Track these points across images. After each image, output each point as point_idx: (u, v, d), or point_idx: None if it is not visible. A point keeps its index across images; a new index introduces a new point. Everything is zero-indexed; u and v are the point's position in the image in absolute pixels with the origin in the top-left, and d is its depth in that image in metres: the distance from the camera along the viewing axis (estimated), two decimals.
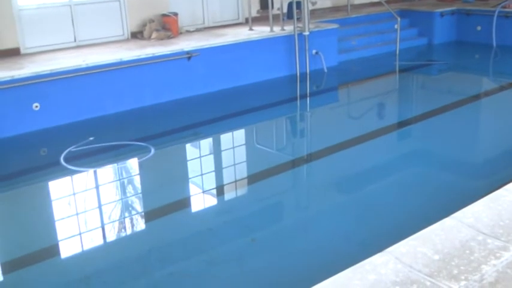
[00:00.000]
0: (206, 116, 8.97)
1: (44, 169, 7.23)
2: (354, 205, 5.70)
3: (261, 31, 10.67)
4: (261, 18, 11.74)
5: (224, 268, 4.58)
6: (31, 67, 8.36)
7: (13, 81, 7.83)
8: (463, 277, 2.85)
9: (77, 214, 5.86)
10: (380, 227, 5.05)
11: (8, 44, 9.30)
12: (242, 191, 6.51)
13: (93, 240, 5.36)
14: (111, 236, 5.46)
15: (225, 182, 6.62)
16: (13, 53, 9.32)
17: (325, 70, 10.90)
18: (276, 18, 10.77)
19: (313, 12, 11.88)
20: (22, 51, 9.45)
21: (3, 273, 4.85)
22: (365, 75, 11.38)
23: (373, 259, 3.03)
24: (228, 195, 6.37)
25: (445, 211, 3.69)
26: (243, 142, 8.10)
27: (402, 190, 5.97)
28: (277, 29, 10.63)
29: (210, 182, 6.62)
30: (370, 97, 10.00)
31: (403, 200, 5.69)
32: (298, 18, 10.39)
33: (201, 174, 6.80)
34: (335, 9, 13.71)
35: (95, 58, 8.75)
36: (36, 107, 8.05)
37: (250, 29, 10.82)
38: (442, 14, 13.32)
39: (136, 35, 10.46)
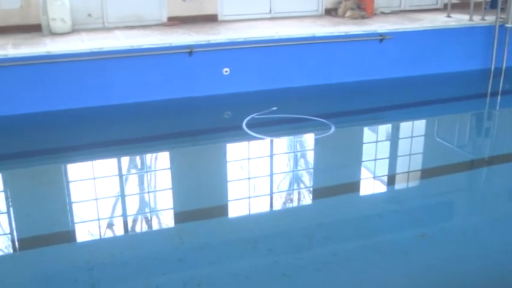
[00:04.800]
0: (390, 101, 8.83)
1: (226, 131, 7.61)
2: None
3: (459, 19, 10.12)
4: (460, 5, 11.10)
5: (388, 258, 4.47)
6: (226, 33, 8.75)
7: (208, 45, 8.26)
8: None
9: (249, 179, 6.08)
10: None
11: (208, 10, 9.84)
12: (415, 182, 6.29)
13: (261, 206, 5.55)
14: (279, 205, 5.59)
15: (398, 171, 6.47)
16: (211, 19, 9.84)
17: None
18: (477, 6, 10.13)
19: None
20: (219, 18, 9.93)
21: (176, 222, 5.23)
22: None
23: None
24: (401, 184, 6.20)
25: None
26: (423, 133, 7.83)
27: None
28: (476, 19, 10.01)
29: (383, 168, 6.49)
30: None
31: None
32: (502, 9, 9.68)
33: (375, 159, 6.68)
34: None
35: (287, 31, 8.92)
36: (226, 71, 8.42)
37: (448, 16, 10.31)
38: None
39: (331, 12, 10.48)
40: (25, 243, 4.89)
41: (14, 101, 7.58)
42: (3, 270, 4.41)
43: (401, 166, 6.59)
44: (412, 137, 7.55)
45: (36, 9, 8.71)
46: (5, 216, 5.30)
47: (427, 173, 6.40)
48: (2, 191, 5.91)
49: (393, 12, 10.83)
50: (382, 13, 10.70)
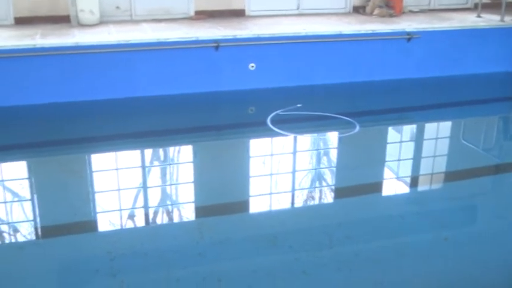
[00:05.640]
0: (416, 101, 8.75)
1: (250, 126, 7.63)
2: None
3: (490, 19, 9.96)
4: (492, 6, 10.93)
5: (410, 260, 4.43)
6: (253, 29, 8.74)
7: (235, 40, 8.26)
8: None
9: (271, 175, 6.07)
10: None
11: (236, 5, 9.86)
12: (439, 185, 6.23)
13: (282, 203, 5.52)
14: (300, 202, 5.57)
15: (421, 173, 6.39)
16: (239, 14, 9.85)
17: None
18: (509, 6, 9.95)
19: None
20: (247, 13, 9.94)
21: (197, 216, 5.24)
22: None
23: None
24: (424, 186, 6.13)
25: None
26: (448, 135, 7.73)
27: None
28: (508, 19, 9.84)
29: (407, 169, 6.43)
30: None
31: None
32: None
33: (399, 160, 6.63)
34: None
35: (314, 28, 8.88)
36: (252, 67, 8.42)
37: (478, 16, 10.17)
38: None
39: (359, 10, 10.42)
40: (47, 232, 4.94)
41: (41, 90, 7.66)
42: (26, 259, 4.46)
43: (425, 168, 6.51)
44: (437, 138, 7.46)
45: (65, 0, 8.79)
46: (29, 204, 5.37)
47: (451, 175, 6.32)
48: (27, 179, 5.98)
49: (422, 11, 10.72)
50: (411, 12, 10.60)
